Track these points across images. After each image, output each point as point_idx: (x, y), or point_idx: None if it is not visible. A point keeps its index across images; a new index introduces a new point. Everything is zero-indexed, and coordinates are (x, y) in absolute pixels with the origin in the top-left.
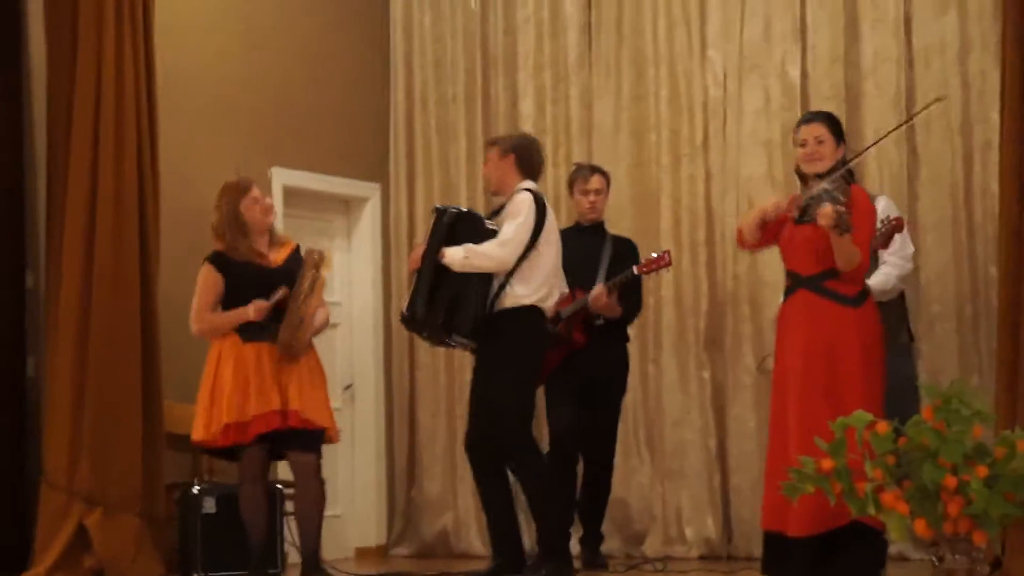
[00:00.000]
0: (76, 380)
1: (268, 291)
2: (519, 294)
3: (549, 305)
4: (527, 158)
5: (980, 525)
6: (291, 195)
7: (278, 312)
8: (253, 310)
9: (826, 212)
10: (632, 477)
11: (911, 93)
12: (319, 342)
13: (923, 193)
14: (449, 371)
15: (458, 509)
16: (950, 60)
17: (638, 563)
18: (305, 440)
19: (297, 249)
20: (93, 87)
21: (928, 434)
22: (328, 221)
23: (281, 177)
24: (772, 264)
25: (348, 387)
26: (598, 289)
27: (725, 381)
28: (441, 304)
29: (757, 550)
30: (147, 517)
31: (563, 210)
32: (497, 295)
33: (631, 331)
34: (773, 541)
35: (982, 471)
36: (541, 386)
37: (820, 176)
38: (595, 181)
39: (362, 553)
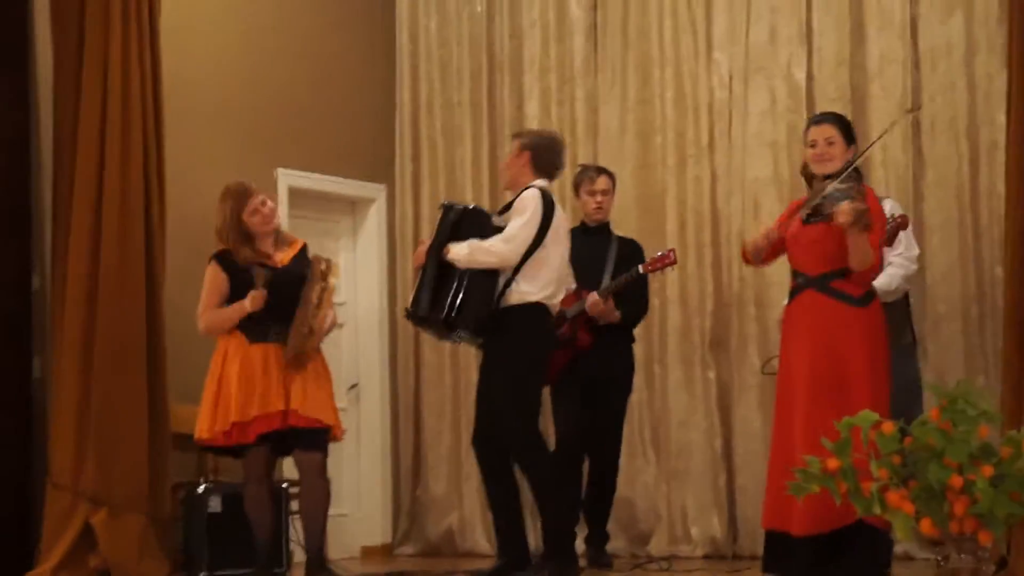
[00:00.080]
0: (82, 381)
1: (274, 292)
2: (525, 291)
3: (555, 303)
4: (542, 157)
5: (986, 525)
6: (296, 196)
7: (284, 313)
8: (250, 301)
9: (845, 209)
10: (638, 477)
11: (917, 95)
12: (325, 342)
13: (929, 194)
14: (455, 371)
15: (463, 508)
16: (956, 62)
17: (643, 562)
18: (310, 439)
19: (304, 248)
20: (99, 90)
21: (934, 434)
22: (334, 222)
23: (287, 178)
24: (778, 265)
25: (353, 387)
26: (593, 297)
27: (731, 381)
28: (445, 300)
29: (762, 549)
30: (152, 517)
31: (568, 211)
32: (503, 292)
33: (637, 332)
34: (775, 540)
35: (988, 471)
36: (547, 386)
37: (827, 177)
38: (601, 182)
39: (368, 552)
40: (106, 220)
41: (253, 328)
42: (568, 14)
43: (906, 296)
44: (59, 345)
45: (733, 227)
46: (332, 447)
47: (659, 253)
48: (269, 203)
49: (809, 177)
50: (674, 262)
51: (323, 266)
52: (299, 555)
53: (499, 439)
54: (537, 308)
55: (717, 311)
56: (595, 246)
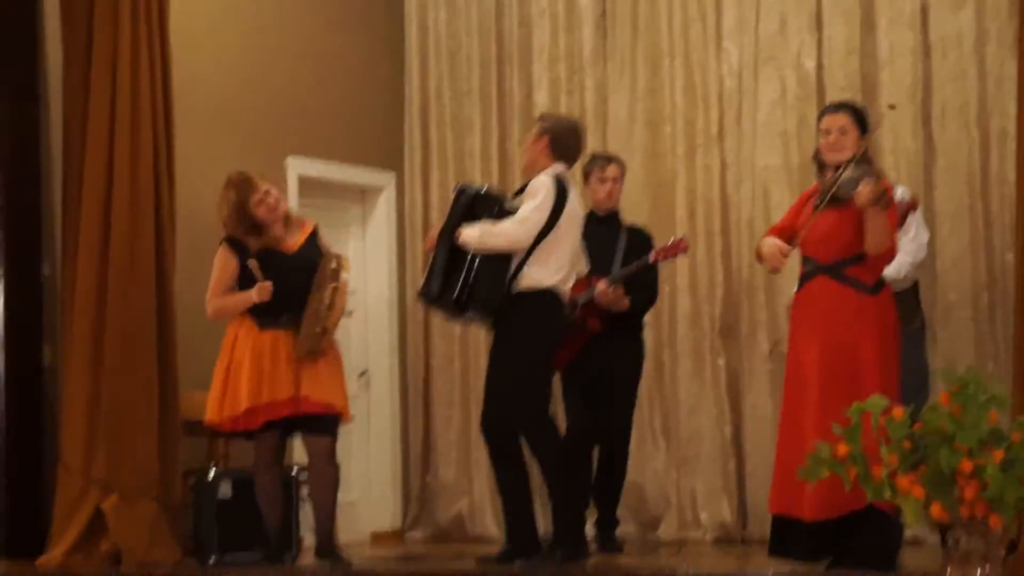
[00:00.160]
0: (92, 368)
1: (285, 280)
2: (536, 276)
3: (567, 288)
4: (561, 143)
5: (996, 509)
6: (306, 184)
7: (295, 299)
8: (256, 292)
9: (866, 190)
10: (648, 463)
11: (928, 84)
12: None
13: (940, 182)
14: (464, 357)
15: (473, 494)
16: (967, 51)
17: (653, 547)
18: (319, 423)
19: (315, 232)
20: (109, 83)
21: (945, 419)
22: (343, 210)
23: (296, 166)
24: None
25: (363, 374)
26: (602, 285)
27: (740, 368)
28: (456, 282)
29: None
30: (163, 503)
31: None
32: (514, 276)
33: (646, 319)
34: (781, 524)
35: (998, 455)
36: (558, 373)
37: (838, 167)
38: (612, 170)
39: (377, 537)
40: (116, 209)
41: (264, 314)
42: (577, 3)
43: (916, 283)
44: (69, 333)
45: (743, 215)
46: (343, 432)
47: (670, 241)
48: (273, 192)
49: (820, 165)
50: (686, 249)
51: (333, 264)
52: (309, 540)
53: (508, 423)
54: (548, 293)
55: (727, 298)
56: (604, 234)
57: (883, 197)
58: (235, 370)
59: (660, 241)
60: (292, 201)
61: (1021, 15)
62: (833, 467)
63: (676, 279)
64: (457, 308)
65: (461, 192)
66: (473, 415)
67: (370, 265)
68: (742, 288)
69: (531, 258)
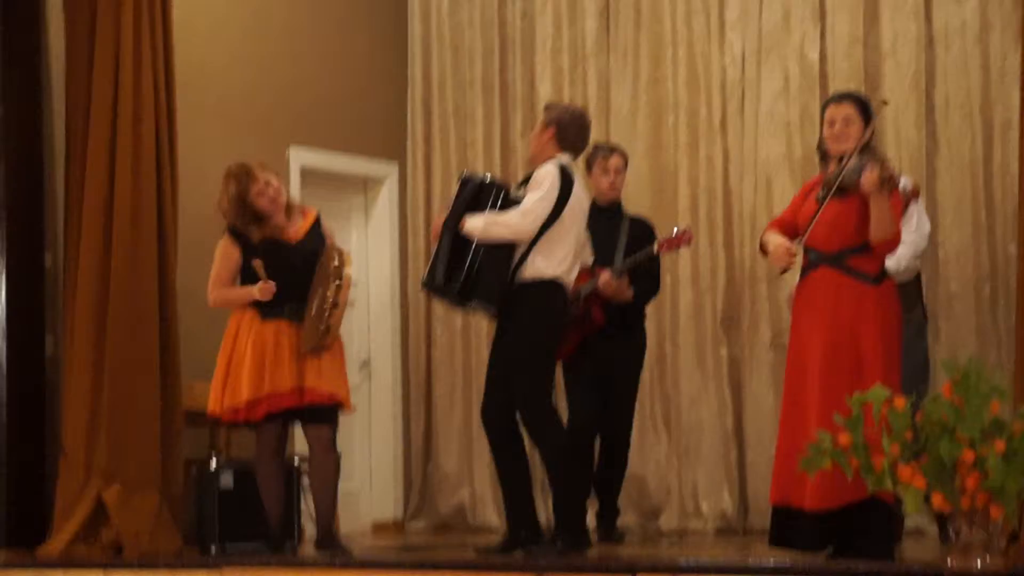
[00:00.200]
0: (94, 358)
1: (289, 269)
2: (540, 266)
3: (571, 279)
4: (566, 134)
5: (997, 499)
6: (309, 175)
7: (297, 289)
8: (259, 291)
9: (872, 174)
10: (649, 454)
11: (931, 75)
12: None
13: (942, 172)
14: (466, 348)
15: (474, 484)
16: (970, 41)
17: (654, 537)
18: (320, 413)
19: (318, 220)
20: (111, 69)
21: (946, 409)
22: (345, 201)
23: (299, 157)
24: None
25: (365, 364)
26: (605, 275)
27: (742, 359)
28: (460, 272)
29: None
30: (165, 492)
31: None
32: (518, 267)
33: (648, 310)
34: (782, 515)
35: (1000, 446)
36: (561, 364)
37: (841, 158)
38: (614, 160)
39: (379, 527)
40: (118, 199)
41: (266, 304)
42: None
43: (918, 274)
44: (71, 324)
45: (745, 206)
46: (344, 422)
47: (674, 232)
48: (273, 183)
49: (824, 156)
50: (690, 241)
51: (336, 261)
52: (310, 530)
53: (510, 414)
54: (551, 284)
55: (729, 289)
56: (607, 225)
57: (888, 181)
58: (237, 361)
59: (662, 232)
60: (294, 191)
61: None
62: (835, 457)
63: (678, 270)
64: (460, 298)
65: (466, 181)
66: (475, 406)
67: (372, 255)
68: (744, 279)
69: (535, 248)
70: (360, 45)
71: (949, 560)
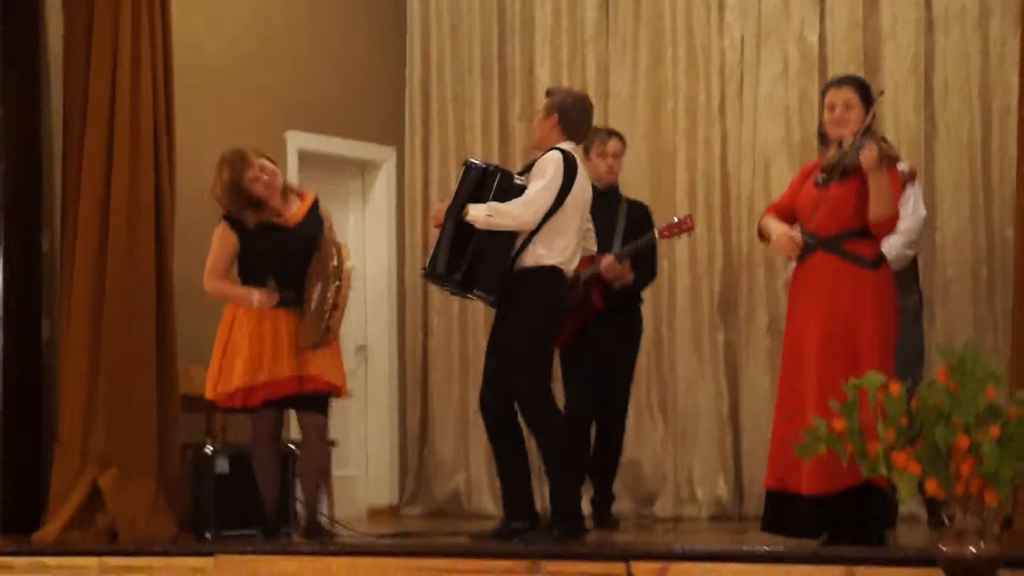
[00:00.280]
0: (91, 342)
1: (286, 253)
2: (540, 254)
3: (571, 268)
4: (570, 121)
5: (992, 485)
6: (306, 159)
7: (295, 276)
8: (256, 300)
9: (871, 150)
10: (645, 439)
11: (930, 59)
12: None
13: (941, 156)
14: (462, 333)
15: (470, 470)
16: (970, 25)
17: (649, 523)
18: (315, 401)
19: (316, 203)
20: (110, 52)
21: (941, 395)
22: (343, 184)
23: (296, 141)
24: None
25: (361, 348)
26: (608, 259)
27: (738, 344)
28: (462, 260)
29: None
30: (160, 478)
31: None
32: (519, 253)
33: (645, 294)
34: (777, 500)
35: (995, 431)
36: (558, 349)
37: (840, 142)
38: (613, 144)
39: (374, 512)
40: (115, 184)
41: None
42: None
43: (914, 260)
44: (68, 308)
45: (743, 190)
46: (341, 408)
47: (676, 219)
48: (268, 167)
49: (824, 139)
50: (691, 228)
51: (335, 261)
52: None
53: (507, 401)
54: (552, 271)
55: (726, 274)
56: (605, 209)
57: (888, 157)
58: (232, 348)
59: (660, 216)
60: (292, 175)
61: None
62: (830, 443)
63: (675, 255)
64: (461, 287)
65: (470, 168)
66: (471, 391)
67: (369, 240)
68: (742, 264)
69: (536, 237)
70: (358, 29)
71: (943, 546)
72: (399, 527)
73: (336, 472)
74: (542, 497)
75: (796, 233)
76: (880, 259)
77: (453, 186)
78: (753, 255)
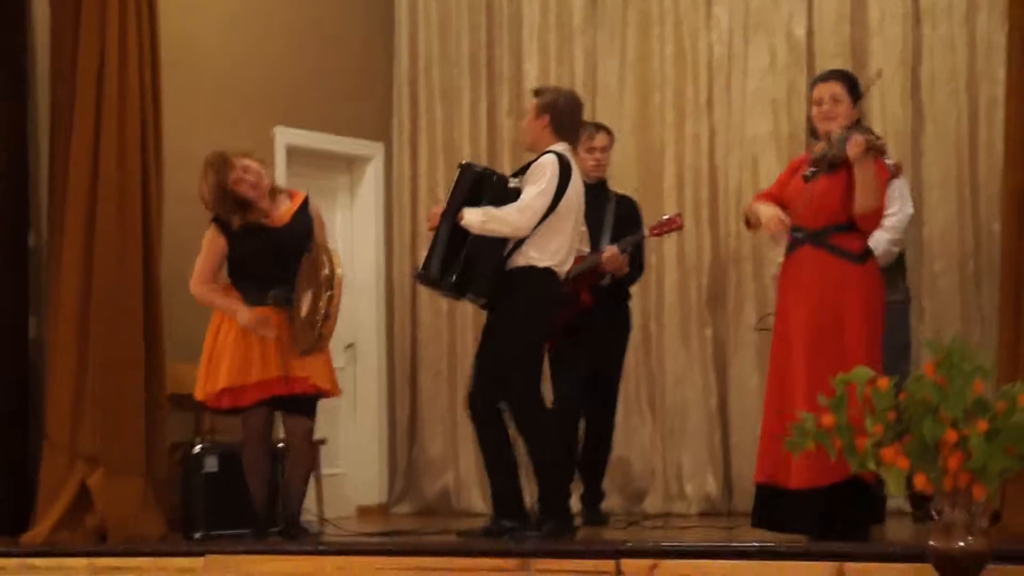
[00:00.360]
0: (79, 340)
1: (275, 253)
2: (533, 256)
3: (564, 269)
4: (562, 121)
5: (980, 479)
6: (294, 154)
7: (284, 274)
8: (246, 320)
9: (858, 140)
10: (633, 435)
11: (918, 51)
12: None
13: (928, 150)
14: (451, 331)
15: (459, 468)
16: (957, 18)
17: (638, 520)
18: (301, 404)
19: (306, 202)
20: (97, 48)
21: (929, 389)
22: (331, 180)
23: (284, 136)
24: None
25: (349, 346)
26: (611, 250)
27: (727, 339)
28: (457, 264)
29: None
30: (149, 477)
31: None
32: (511, 254)
33: (633, 288)
34: (767, 494)
35: (982, 425)
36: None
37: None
38: (600, 139)
39: (363, 511)
40: (102, 181)
41: (252, 291)
42: None
43: (901, 255)
44: (55, 305)
45: (731, 184)
46: (329, 406)
47: (665, 217)
48: (252, 167)
49: (815, 132)
50: (680, 227)
51: (327, 269)
52: None
53: (494, 398)
54: (545, 272)
55: (714, 268)
56: (593, 203)
57: (874, 147)
58: (220, 349)
59: (648, 210)
60: (280, 171)
61: None
62: (818, 438)
63: (664, 250)
64: (455, 290)
65: (466, 170)
66: (460, 389)
67: (357, 236)
68: (729, 258)
69: (530, 239)
70: (346, 24)
71: (932, 541)
72: (389, 526)
73: (325, 471)
74: (531, 495)
75: (784, 214)
76: (867, 253)
77: (441, 182)
78: (741, 249)
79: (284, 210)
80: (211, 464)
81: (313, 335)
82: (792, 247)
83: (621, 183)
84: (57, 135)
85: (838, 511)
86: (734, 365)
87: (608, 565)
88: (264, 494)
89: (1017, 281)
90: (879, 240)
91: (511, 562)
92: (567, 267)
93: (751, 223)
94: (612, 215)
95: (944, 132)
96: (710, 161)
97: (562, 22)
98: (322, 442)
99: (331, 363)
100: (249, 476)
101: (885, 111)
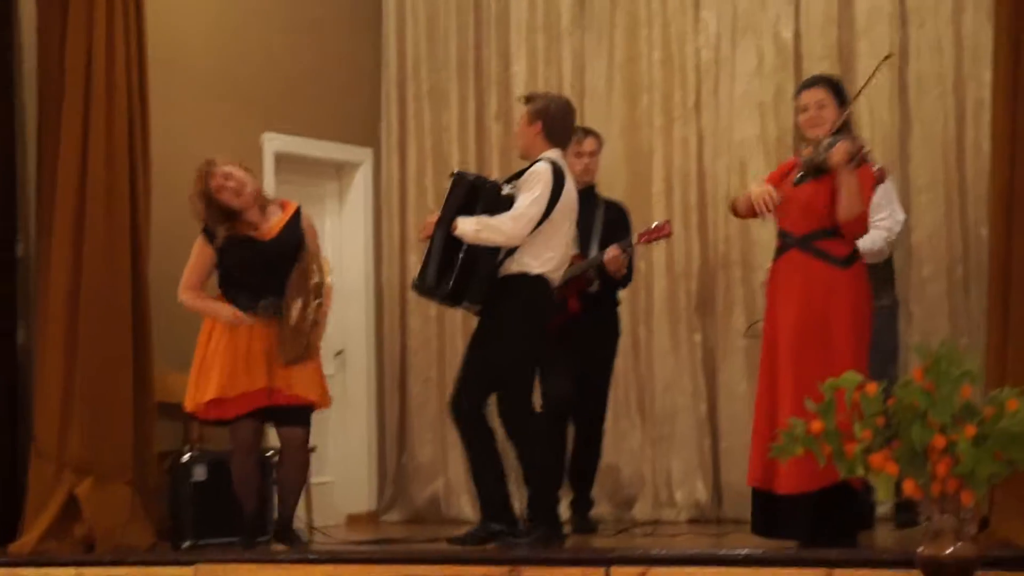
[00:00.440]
0: (67, 349)
1: (263, 267)
2: (526, 263)
3: (557, 276)
4: (554, 128)
5: (968, 485)
6: (283, 161)
7: (272, 286)
8: (227, 318)
9: (842, 147)
10: (622, 442)
11: (904, 53)
12: None
13: (915, 153)
14: (440, 337)
15: (449, 475)
16: (943, 19)
17: (628, 527)
18: (293, 415)
19: (298, 213)
20: (84, 57)
21: (918, 394)
22: (320, 186)
23: (273, 143)
24: (764, 226)
25: (339, 353)
26: (613, 251)
27: (716, 345)
28: (452, 273)
29: (747, 513)
30: (138, 486)
31: None
32: (504, 260)
33: (622, 294)
34: (761, 500)
35: (970, 431)
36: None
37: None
38: (588, 143)
39: (353, 519)
40: (90, 189)
41: (242, 302)
42: None
43: (889, 260)
44: (44, 313)
45: (719, 188)
46: (318, 414)
47: (655, 224)
48: (235, 174)
49: (804, 137)
50: (670, 234)
51: (316, 278)
52: None
53: (480, 402)
54: (537, 279)
55: (703, 273)
56: (581, 209)
57: (856, 156)
58: (208, 361)
59: (636, 215)
60: (268, 178)
61: None
62: (807, 444)
63: (652, 254)
64: (451, 299)
65: (459, 179)
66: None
67: (346, 242)
68: (718, 263)
69: (524, 245)
70: (334, 29)
71: (920, 547)
72: (378, 534)
73: (314, 479)
74: (520, 502)
75: (776, 193)
76: (852, 258)
77: (430, 187)
78: (730, 253)
79: (274, 222)
80: (200, 473)
81: (301, 343)
82: (779, 252)
83: (609, 187)
84: (45, 134)
85: (827, 517)
86: (723, 371)
87: (598, 573)
88: (253, 504)
89: (1005, 285)
90: (876, 238)
91: (500, 570)
92: (559, 272)
93: (738, 211)
94: (601, 220)
95: (931, 135)
96: (698, 165)
97: (550, 24)
98: (311, 450)
99: (322, 374)
100: (238, 486)
101: (873, 115)
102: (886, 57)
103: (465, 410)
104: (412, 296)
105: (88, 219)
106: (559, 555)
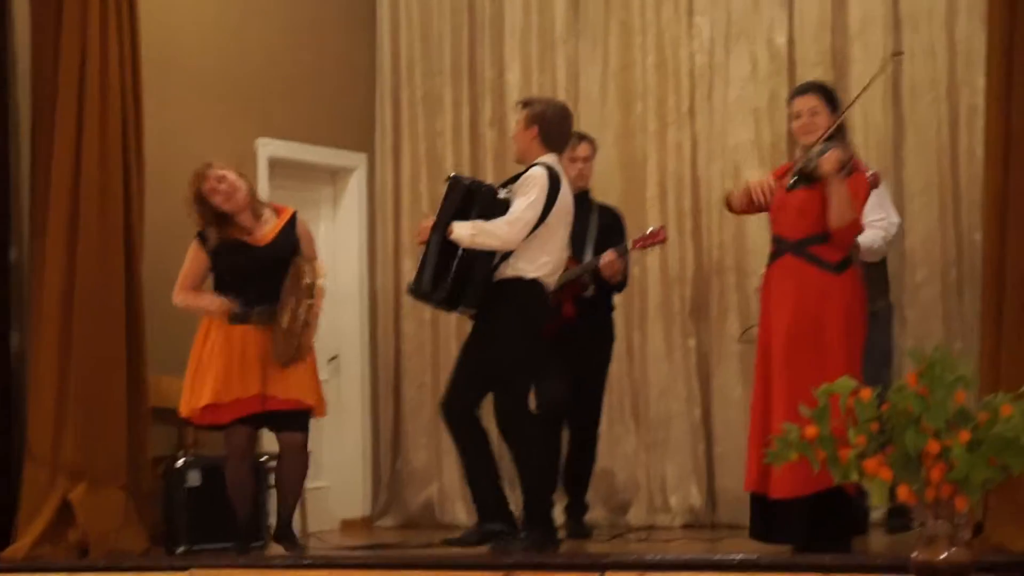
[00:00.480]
0: (60, 354)
1: (256, 272)
2: (521, 268)
3: (552, 280)
4: (550, 132)
5: (962, 490)
6: (277, 166)
7: (267, 293)
8: (216, 305)
9: (831, 156)
10: (617, 447)
11: (897, 58)
12: None
13: (909, 159)
14: (435, 342)
15: (443, 480)
16: (937, 25)
17: (622, 532)
18: (292, 420)
19: (294, 218)
20: (78, 61)
21: (912, 399)
22: (314, 192)
23: (267, 148)
24: (758, 232)
25: (333, 358)
26: (610, 255)
27: (710, 350)
28: (448, 277)
29: (742, 518)
30: (132, 491)
31: None
32: (499, 265)
33: (617, 299)
34: (761, 505)
35: (965, 436)
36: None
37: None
38: (583, 149)
39: (347, 524)
40: (84, 193)
41: (238, 307)
42: None
43: (883, 263)
44: (37, 319)
45: (714, 194)
46: (313, 419)
47: (649, 230)
48: (228, 177)
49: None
50: (664, 240)
51: (308, 279)
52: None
53: (473, 404)
54: (533, 284)
55: (697, 279)
56: (576, 213)
57: (846, 165)
58: (204, 365)
59: (631, 220)
60: (263, 183)
61: None
62: (801, 449)
63: (646, 259)
64: (447, 303)
65: (455, 183)
66: None
67: (340, 247)
68: (712, 269)
69: (519, 250)
70: (328, 35)
71: (914, 552)
72: (373, 539)
73: (308, 484)
74: (516, 506)
75: (774, 183)
76: (846, 263)
77: (424, 192)
78: (724, 259)
79: (269, 228)
80: (194, 478)
81: (293, 344)
82: (773, 257)
83: (604, 193)
84: (38, 135)
85: (822, 522)
86: (718, 376)
87: None
88: (247, 509)
89: (998, 290)
90: (875, 236)
91: (494, 575)
92: (554, 277)
93: (733, 205)
94: (595, 225)
95: (925, 140)
96: (692, 170)
97: (544, 30)
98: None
99: (318, 378)
100: (232, 492)
101: (866, 120)
102: (896, 54)
103: (457, 412)
104: (406, 301)
105: (82, 220)
106: (553, 560)
